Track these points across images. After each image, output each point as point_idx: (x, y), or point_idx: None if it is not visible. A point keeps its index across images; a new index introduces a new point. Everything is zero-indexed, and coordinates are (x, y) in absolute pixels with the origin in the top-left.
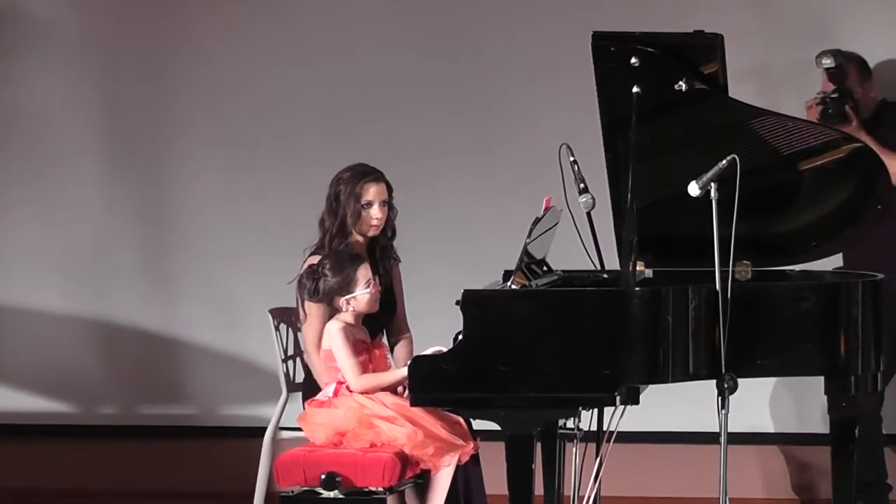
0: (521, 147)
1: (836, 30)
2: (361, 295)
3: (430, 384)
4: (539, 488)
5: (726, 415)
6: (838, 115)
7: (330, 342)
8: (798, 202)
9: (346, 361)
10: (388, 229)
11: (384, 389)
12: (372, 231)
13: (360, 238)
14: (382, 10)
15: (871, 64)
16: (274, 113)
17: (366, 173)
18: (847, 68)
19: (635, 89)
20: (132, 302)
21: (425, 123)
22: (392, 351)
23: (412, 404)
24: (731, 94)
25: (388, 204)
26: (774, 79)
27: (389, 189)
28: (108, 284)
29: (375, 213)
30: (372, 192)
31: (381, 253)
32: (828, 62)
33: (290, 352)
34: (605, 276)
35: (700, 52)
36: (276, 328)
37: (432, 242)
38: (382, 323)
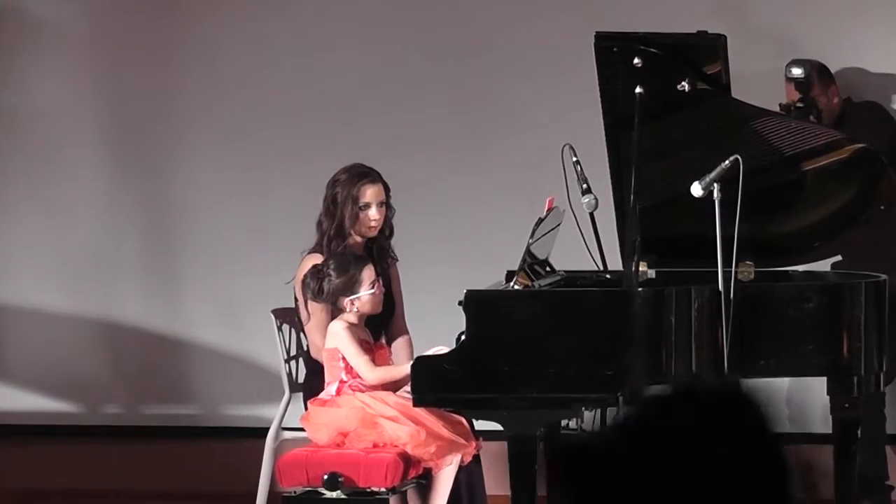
0: (524, 147)
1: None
2: (366, 295)
3: (433, 384)
4: (541, 489)
5: None
6: None
7: (335, 342)
8: (801, 203)
9: (357, 358)
10: (386, 228)
11: (397, 383)
12: (370, 232)
13: (358, 239)
14: (384, 9)
15: (837, 69)
16: (278, 112)
17: (363, 174)
18: (813, 78)
19: (638, 90)
20: (135, 302)
21: (427, 123)
22: (391, 352)
23: (415, 404)
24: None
25: (386, 204)
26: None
27: (387, 189)
28: (112, 284)
29: (373, 215)
30: (369, 193)
31: (378, 253)
32: (798, 72)
33: (293, 352)
34: (608, 276)
35: (703, 52)
36: (279, 329)
37: (434, 242)
38: (381, 324)
